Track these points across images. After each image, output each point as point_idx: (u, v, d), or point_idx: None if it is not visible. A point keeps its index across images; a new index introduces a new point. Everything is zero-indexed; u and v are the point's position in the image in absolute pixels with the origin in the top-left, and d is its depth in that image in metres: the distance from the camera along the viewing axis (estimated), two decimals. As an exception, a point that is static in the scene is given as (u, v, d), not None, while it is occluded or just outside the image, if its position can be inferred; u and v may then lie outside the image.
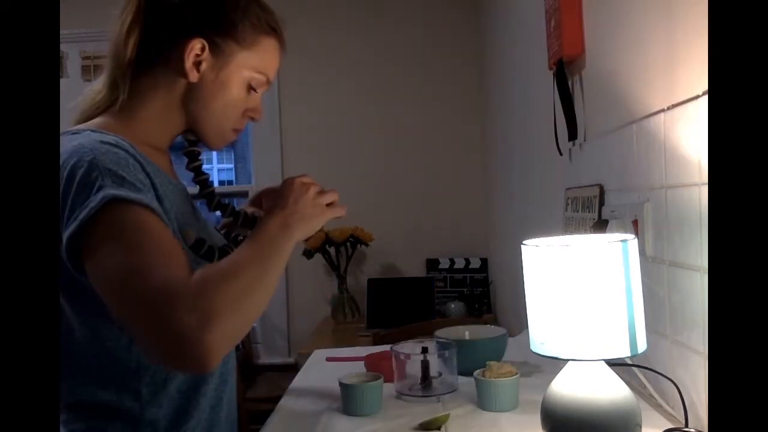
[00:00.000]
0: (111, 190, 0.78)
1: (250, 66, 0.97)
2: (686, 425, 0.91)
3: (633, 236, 0.84)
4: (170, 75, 0.95)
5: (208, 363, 0.71)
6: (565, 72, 1.50)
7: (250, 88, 0.98)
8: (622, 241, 0.82)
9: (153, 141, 0.97)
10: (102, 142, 0.85)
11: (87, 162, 0.80)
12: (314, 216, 0.93)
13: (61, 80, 3.17)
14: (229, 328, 0.73)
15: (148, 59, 0.96)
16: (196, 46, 0.93)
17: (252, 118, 1.02)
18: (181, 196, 0.99)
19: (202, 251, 0.92)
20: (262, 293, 0.81)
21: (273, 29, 0.99)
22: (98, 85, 0.99)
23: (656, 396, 1.06)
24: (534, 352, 0.87)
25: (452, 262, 3.22)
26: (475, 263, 3.19)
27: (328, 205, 0.96)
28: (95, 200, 0.77)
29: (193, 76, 0.94)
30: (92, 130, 0.89)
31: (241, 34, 0.95)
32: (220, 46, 0.94)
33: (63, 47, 3.24)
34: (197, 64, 0.94)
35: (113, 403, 0.90)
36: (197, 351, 0.70)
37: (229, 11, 0.95)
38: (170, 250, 0.79)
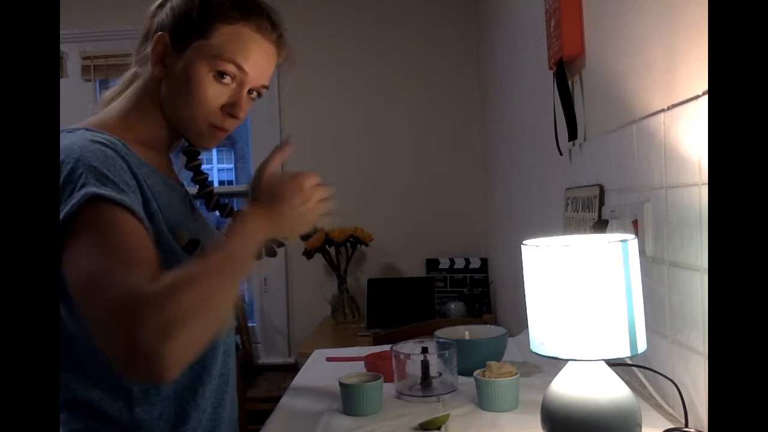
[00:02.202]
0: (93, 188, 0.78)
1: (210, 55, 0.93)
2: (686, 425, 0.91)
3: (633, 236, 0.84)
4: (148, 74, 0.98)
5: (164, 375, 0.69)
6: (565, 72, 1.50)
7: (218, 79, 0.94)
8: (622, 241, 0.82)
9: (148, 141, 0.98)
10: (92, 141, 0.86)
11: (73, 160, 0.81)
12: (307, 223, 0.92)
13: (61, 80, 3.17)
14: (191, 335, 0.71)
15: (139, 62, 1.01)
16: (158, 40, 0.95)
17: (231, 115, 0.97)
18: (178, 196, 0.99)
19: (195, 252, 0.92)
20: (228, 295, 0.78)
21: (240, 16, 0.94)
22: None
23: (656, 396, 1.06)
24: (534, 352, 0.87)
25: (452, 262, 3.22)
26: (475, 263, 3.19)
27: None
28: (77, 197, 0.77)
29: (157, 71, 0.96)
30: (86, 129, 0.91)
31: (200, 24, 0.94)
32: (182, 39, 0.94)
33: (63, 47, 3.24)
34: (162, 59, 0.95)
35: (106, 400, 0.91)
36: (153, 363, 0.68)
37: (190, 4, 0.95)
38: (141, 254, 0.78)
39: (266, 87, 1.00)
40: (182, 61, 0.94)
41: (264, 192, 0.94)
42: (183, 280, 0.73)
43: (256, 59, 0.96)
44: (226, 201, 1.08)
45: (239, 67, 0.94)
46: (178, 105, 0.96)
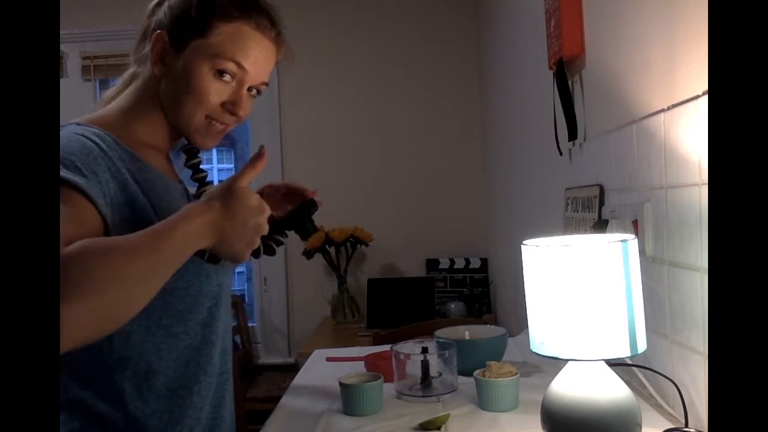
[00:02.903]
0: None
1: (211, 54, 0.93)
2: (686, 425, 0.91)
3: (633, 236, 0.84)
4: (147, 73, 0.99)
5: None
6: (565, 72, 1.50)
7: (219, 77, 0.94)
8: (622, 241, 0.82)
9: (148, 140, 0.99)
10: (74, 133, 0.87)
11: None
12: (250, 246, 0.83)
13: (61, 80, 3.17)
14: (95, 306, 0.66)
15: (137, 61, 1.01)
16: (157, 39, 0.95)
17: (232, 113, 0.96)
18: (176, 192, 1.00)
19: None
20: (145, 280, 0.72)
21: (240, 14, 0.94)
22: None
23: (656, 396, 1.06)
24: (534, 352, 0.87)
25: (452, 262, 3.22)
26: (475, 263, 3.19)
27: None
28: None
29: (157, 70, 0.96)
30: (78, 123, 0.92)
31: (199, 22, 0.94)
32: (181, 38, 0.94)
33: (63, 47, 3.24)
34: (162, 58, 0.96)
35: (98, 399, 0.91)
36: None
37: (188, 3, 0.95)
38: (75, 228, 0.76)
39: (266, 84, 1.00)
40: (182, 60, 0.94)
41: (226, 200, 0.82)
42: (99, 249, 0.70)
43: (256, 57, 0.96)
44: None
45: (239, 65, 0.94)
46: (179, 103, 0.96)
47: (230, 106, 0.96)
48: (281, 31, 1.00)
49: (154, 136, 0.99)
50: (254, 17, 0.95)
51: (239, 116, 0.97)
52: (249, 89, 0.98)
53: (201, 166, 1.04)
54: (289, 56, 1.03)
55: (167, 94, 0.97)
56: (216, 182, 1.01)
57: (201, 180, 1.04)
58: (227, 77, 0.94)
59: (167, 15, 0.96)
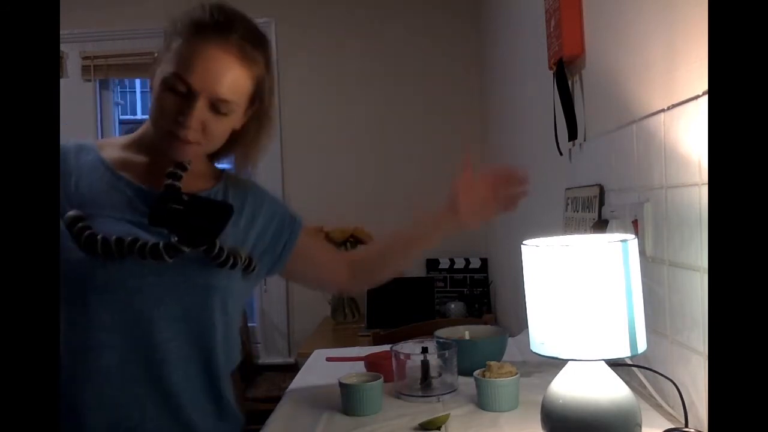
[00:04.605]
0: None
1: (165, 70, 1.00)
2: (686, 425, 0.91)
3: (633, 236, 0.84)
4: None
5: None
6: (565, 72, 1.50)
7: (168, 91, 0.99)
8: (622, 241, 0.82)
9: (146, 148, 1.10)
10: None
11: None
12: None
13: (61, 80, 3.17)
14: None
15: None
16: (154, 60, 1.05)
17: (183, 125, 0.99)
18: (114, 189, 1.05)
19: (74, 228, 0.97)
20: None
21: (191, 30, 0.99)
22: None
23: (656, 396, 1.06)
24: (534, 352, 0.87)
25: (452, 262, 3.22)
26: (475, 263, 3.19)
27: None
28: None
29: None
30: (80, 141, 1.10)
31: (166, 42, 1.02)
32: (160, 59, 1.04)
33: (63, 47, 3.23)
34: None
35: None
36: None
37: (168, 27, 1.03)
38: None
39: (225, 100, 1.00)
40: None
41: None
42: None
43: (203, 69, 0.98)
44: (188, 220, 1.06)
45: (180, 77, 0.98)
46: (149, 118, 1.05)
47: (181, 117, 0.98)
48: (245, 43, 1.01)
49: (149, 146, 1.08)
50: (205, 32, 0.99)
51: (185, 126, 0.98)
52: (214, 107, 1.00)
53: (178, 176, 1.06)
54: (267, 62, 1.06)
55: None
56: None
57: (167, 187, 1.06)
58: (178, 90, 0.98)
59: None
